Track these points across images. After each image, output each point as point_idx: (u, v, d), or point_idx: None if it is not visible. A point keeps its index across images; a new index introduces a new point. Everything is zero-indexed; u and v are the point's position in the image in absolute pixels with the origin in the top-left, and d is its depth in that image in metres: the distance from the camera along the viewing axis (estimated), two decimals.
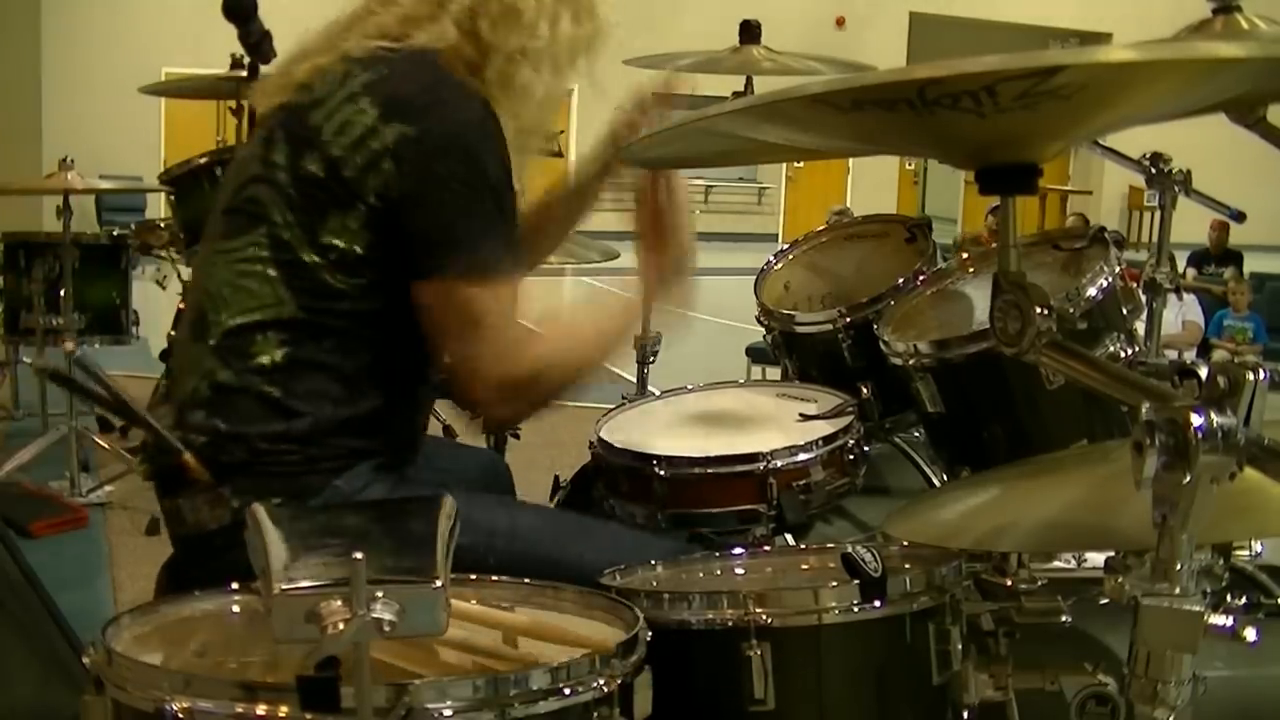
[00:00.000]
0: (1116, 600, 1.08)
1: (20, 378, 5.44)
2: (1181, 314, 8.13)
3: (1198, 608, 1.05)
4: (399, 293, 1.66)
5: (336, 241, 1.64)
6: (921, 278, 2.32)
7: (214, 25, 4.04)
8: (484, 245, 1.65)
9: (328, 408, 1.66)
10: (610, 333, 1.89)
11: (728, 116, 1.13)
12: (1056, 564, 1.95)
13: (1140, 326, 2.28)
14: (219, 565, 1.39)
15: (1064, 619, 1.57)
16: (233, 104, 4.43)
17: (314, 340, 1.67)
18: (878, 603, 1.43)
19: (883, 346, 2.13)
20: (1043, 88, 0.92)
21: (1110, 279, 2.03)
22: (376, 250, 1.65)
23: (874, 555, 1.46)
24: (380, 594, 1.03)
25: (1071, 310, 1.96)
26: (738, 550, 1.76)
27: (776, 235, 17.44)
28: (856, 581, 1.43)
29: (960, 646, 1.49)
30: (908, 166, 19.07)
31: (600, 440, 2.09)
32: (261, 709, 1.11)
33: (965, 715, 1.50)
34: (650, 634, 1.29)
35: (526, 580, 1.45)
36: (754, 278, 2.60)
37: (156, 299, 5.28)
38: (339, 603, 1.03)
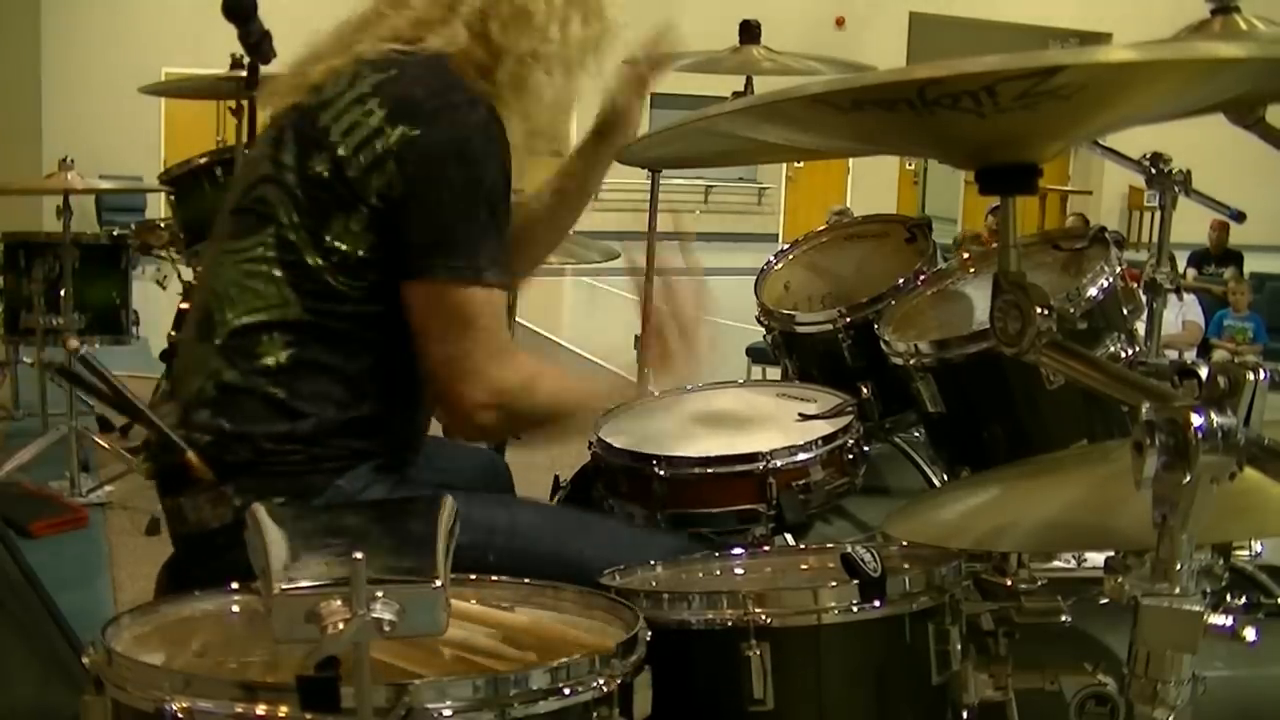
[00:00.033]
0: (1116, 600, 1.08)
1: (20, 378, 5.43)
2: (1182, 314, 8.13)
3: (1198, 608, 1.05)
4: (400, 296, 1.67)
5: (339, 244, 1.65)
6: (922, 278, 2.32)
7: (214, 25, 4.03)
8: (477, 249, 1.66)
9: (331, 409, 1.67)
10: (595, 396, 1.97)
11: (728, 116, 1.13)
12: (1056, 564, 1.94)
13: (1140, 326, 2.28)
14: (220, 564, 1.40)
15: (1064, 619, 1.57)
16: (233, 104, 4.41)
17: (318, 342, 1.68)
18: (877, 603, 1.43)
19: (883, 346, 2.13)
20: (1043, 88, 0.92)
21: (1110, 279, 2.03)
22: (378, 252, 1.65)
23: (873, 555, 1.46)
24: (380, 594, 1.03)
25: (1072, 310, 1.96)
26: (737, 550, 1.76)
27: (776, 235, 17.43)
28: (856, 581, 1.43)
29: (960, 646, 1.49)
30: (908, 166, 19.07)
31: (600, 440, 2.09)
32: (261, 709, 1.11)
33: (965, 715, 1.50)
34: (650, 634, 1.29)
35: (526, 580, 1.45)
36: (754, 278, 2.60)
37: (156, 299, 5.28)
38: (339, 603, 1.03)
